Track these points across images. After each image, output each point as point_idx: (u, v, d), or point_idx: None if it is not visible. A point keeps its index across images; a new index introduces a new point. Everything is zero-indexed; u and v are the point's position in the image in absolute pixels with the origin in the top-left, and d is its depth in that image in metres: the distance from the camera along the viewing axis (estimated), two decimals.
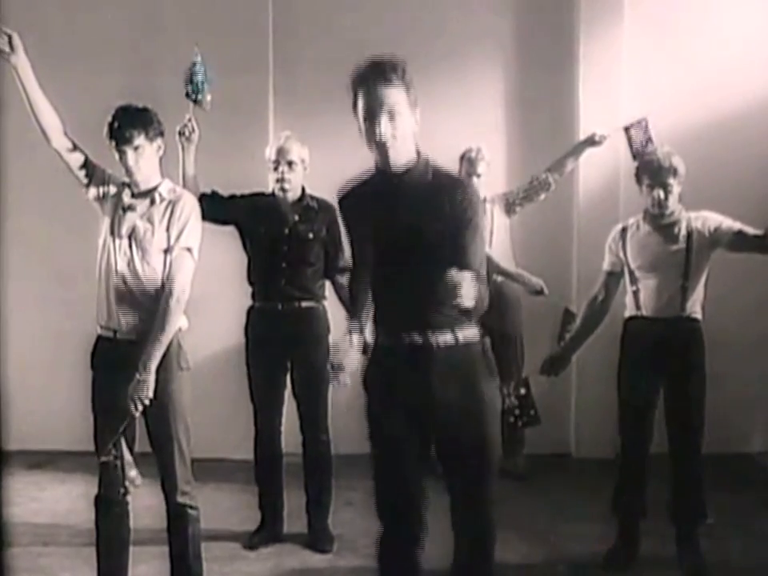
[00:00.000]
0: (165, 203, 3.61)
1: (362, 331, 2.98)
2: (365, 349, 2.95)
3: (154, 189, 3.63)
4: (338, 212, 3.09)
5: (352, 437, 3.43)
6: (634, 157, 4.56)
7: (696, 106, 5.81)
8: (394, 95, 2.75)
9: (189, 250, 3.60)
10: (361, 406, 3.04)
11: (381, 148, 2.77)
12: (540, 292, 5.23)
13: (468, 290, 2.56)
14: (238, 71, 5.55)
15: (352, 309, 3.08)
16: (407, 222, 2.82)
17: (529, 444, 5.64)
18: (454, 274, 2.55)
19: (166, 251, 3.58)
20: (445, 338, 2.86)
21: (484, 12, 6.00)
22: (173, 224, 3.57)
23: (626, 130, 4.69)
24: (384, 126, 2.73)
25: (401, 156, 2.81)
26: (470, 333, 2.91)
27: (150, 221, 3.58)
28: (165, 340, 3.53)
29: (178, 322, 3.60)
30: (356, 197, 2.97)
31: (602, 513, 4.36)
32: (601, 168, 5.69)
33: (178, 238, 3.57)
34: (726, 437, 5.12)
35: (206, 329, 5.37)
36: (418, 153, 2.86)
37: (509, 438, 5.43)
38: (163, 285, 3.56)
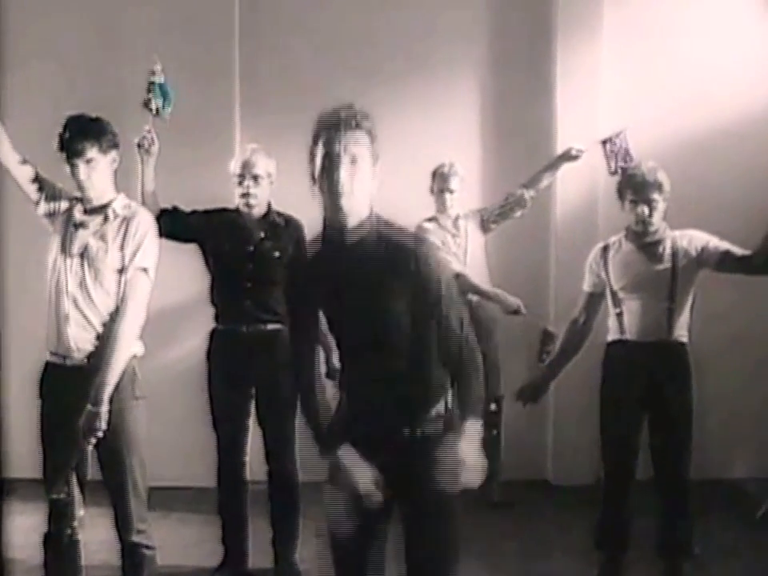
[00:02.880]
0: (119, 220, 3.46)
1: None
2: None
3: (108, 204, 3.47)
4: (291, 275, 2.90)
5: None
6: (612, 172, 4.49)
7: (677, 120, 5.75)
8: (359, 142, 2.61)
9: (145, 269, 3.44)
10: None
11: (335, 199, 2.58)
12: (517, 312, 5.08)
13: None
14: (202, 80, 5.49)
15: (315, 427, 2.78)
16: (361, 294, 2.65)
17: (505, 469, 5.48)
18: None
19: (121, 271, 3.42)
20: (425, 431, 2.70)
21: (459, 21, 5.91)
22: (127, 242, 3.42)
23: (604, 143, 4.61)
24: (344, 173, 2.57)
25: (353, 212, 2.62)
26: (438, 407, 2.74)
27: (103, 239, 3.43)
28: (118, 367, 3.36)
29: (132, 347, 3.44)
30: (311, 257, 2.76)
31: (582, 545, 4.24)
32: (579, 184, 5.62)
33: (132, 257, 3.42)
34: (707, 463, 4.99)
35: (167, 351, 5.45)
36: (371, 213, 2.68)
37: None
38: (117, 307, 3.40)
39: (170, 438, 5.29)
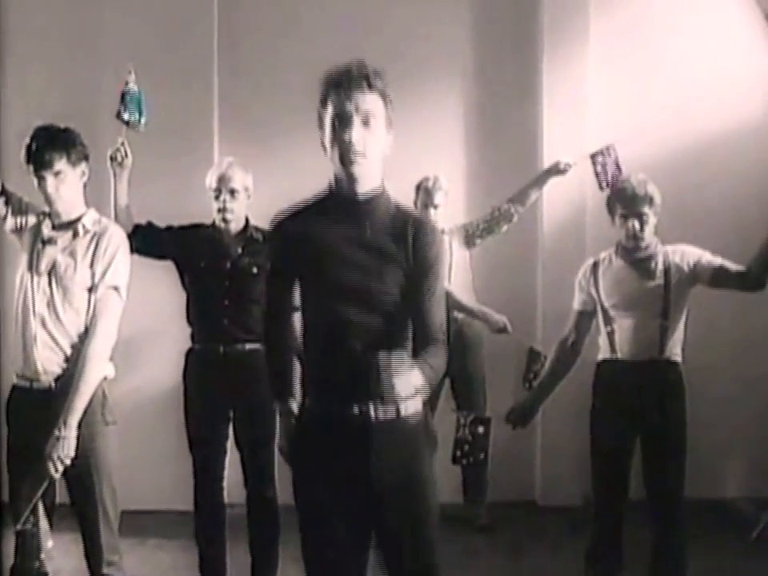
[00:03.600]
0: (89, 236, 3.33)
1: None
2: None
3: (77, 220, 3.35)
4: (270, 234, 2.72)
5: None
6: (601, 186, 4.39)
7: (666, 131, 5.71)
8: (373, 102, 2.48)
9: (116, 288, 3.31)
10: None
11: (347, 163, 2.46)
12: (503, 330, 5.02)
13: (403, 380, 2.30)
14: (180, 91, 5.41)
15: (278, 377, 2.73)
16: (362, 261, 2.52)
17: (491, 490, 5.42)
18: (385, 358, 2.30)
19: (90, 290, 3.28)
20: (386, 410, 2.53)
21: (443, 33, 5.87)
22: (97, 259, 3.29)
23: (593, 157, 4.50)
24: (357, 134, 2.44)
25: (366, 180, 2.51)
26: (413, 405, 2.58)
27: (73, 255, 3.30)
28: (88, 391, 3.22)
29: (103, 370, 3.30)
30: (300, 222, 2.59)
31: (572, 567, 4.11)
32: (566, 198, 5.56)
33: (103, 275, 3.29)
34: (700, 482, 4.88)
35: (142, 372, 5.38)
36: (382, 182, 2.59)
37: (471, 485, 5.23)
38: (86, 328, 3.26)
39: (147, 461, 5.28)
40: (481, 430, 4.15)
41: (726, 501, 5.78)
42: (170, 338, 4.48)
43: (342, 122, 2.46)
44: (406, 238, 2.54)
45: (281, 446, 2.83)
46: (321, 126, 2.53)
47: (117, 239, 3.34)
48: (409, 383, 2.34)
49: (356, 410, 2.50)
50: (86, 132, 3.47)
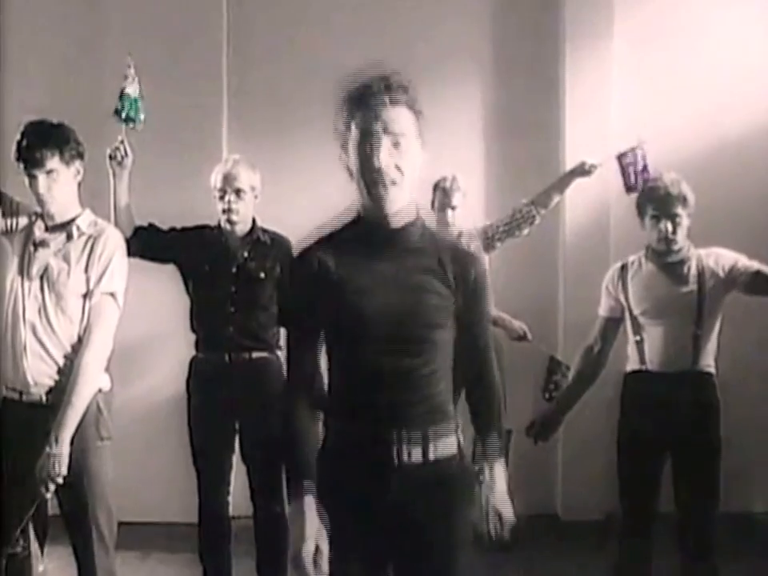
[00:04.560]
0: (84, 239, 3.20)
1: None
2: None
3: (71, 221, 3.21)
4: (296, 267, 2.44)
5: None
6: (628, 189, 4.27)
7: (694, 131, 5.54)
8: (402, 119, 2.26)
9: (112, 294, 3.17)
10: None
11: (377, 192, 2.24)
12: (523, 337, 4.91)
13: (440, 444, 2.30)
14: (188, 87, 5.28)
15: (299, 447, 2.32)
16: (397, 300, 2.28)
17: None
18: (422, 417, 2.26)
19: (85, 296, 3.15)
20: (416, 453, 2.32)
21: (461, 30, 5.72)
22: (93, 264, 3.15)
23: (619, 158, 4.37)
24: (386, 159, 2.21)
25: (398, 208, 2.28)
26: (446, 447, 2.38)
27: (66, 259, 3.16)
28: (81, 404, 3.07)
29: (97, 382, 3.15)
30: (326, 255, 2.33)
31: None
32: (589, 200, 5.38)
33: (98, 280, 3.15)
34: (731, 496, 4.75)
35: (145, 381, 5.34)
36: (417, 208, 2.37)
37: None
38: (80, 337, 3.12)
39: (150, 472, 5.22)
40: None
41: (752, 515, 5.64)
42: (175, 346, 4.41)
43: (368, 145, 2.23)
44: (448, 271, 2.34)
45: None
46: (343, 146, 2.32)
47: (113, 242, 3.21)
48: (446, 446, 2.29)
49: (377, 451, 2.29)
50: (88, 129, 3.37)
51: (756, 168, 5.56)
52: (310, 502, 2.18)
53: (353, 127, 2.26)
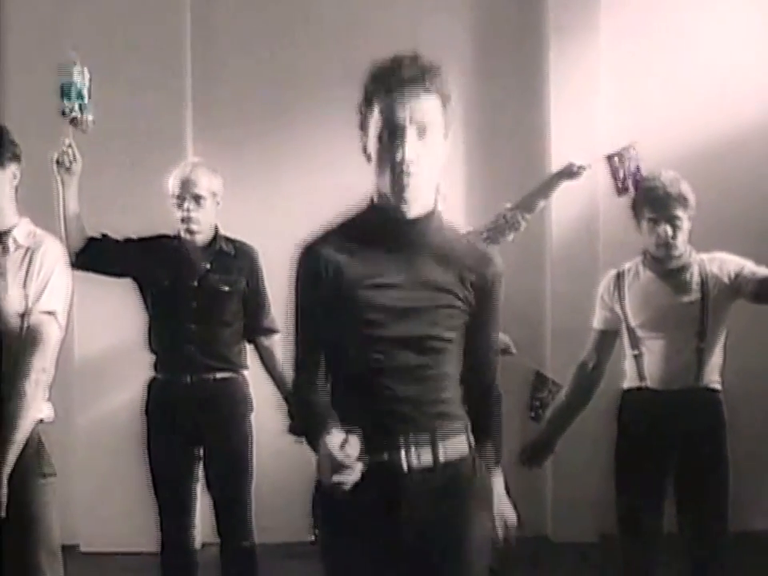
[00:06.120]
0: (21, 251, 2.96)
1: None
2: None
3: (7, 232, 2.96)
4: (301, 267, 2.32)
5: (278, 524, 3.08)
6: (619, 192, 4.11)
7: (686, 130, 5.44)
8: (430, 108, 2.17)
9: (52, 314, 2.90)
10: (291, 486, 2.80)
11: (398, 184, 2.15)
12: (506, 351, 4.60)
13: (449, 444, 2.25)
14: (148, 87, 5.14)
15: (312, 409, 2.30)
16: (410, 297, 2.22)
17: None
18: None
19: (23, 316, 2.88)
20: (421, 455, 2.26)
21: (439, 25, 5.57)
22: (31, 279, 2.91)
23: (609, 159, 4.20)
24: (411, 150, 2.13)
25: (418, 200, 2.20)
26: (456, 448, 2.31)
27: (1, 274, 2.90)
28: (18, 438, 2.80)
29: (37, 412, 2.88)
30: (334, 249, 2.26)
31: None
32: (577, 204, 5.27)
33: (37, 298, 2.90)
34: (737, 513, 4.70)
35: (107, 400, 5.20)
36: (435, 201, 2.29)
37: None
38: (16, 361, 2.84)
39: (113, 497, 5.10)
40: None
41: (753, 533, 5.42)
42: (139, 365, 4.17)
43: (392, 133, 2.15)
44: (464, 270, 2.26)
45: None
46: (363, 127, 2.24)
47: (53, 255, 2.95)
48: (455, 448, 2.23)
49: (385, 456, 2.21)
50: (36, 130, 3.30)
51: (761, 166, 5.47)
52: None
53: (375, 110, 2.18)
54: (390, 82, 2.14)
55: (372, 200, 2.26)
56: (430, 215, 2.24)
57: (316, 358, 2.29)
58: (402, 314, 2.20)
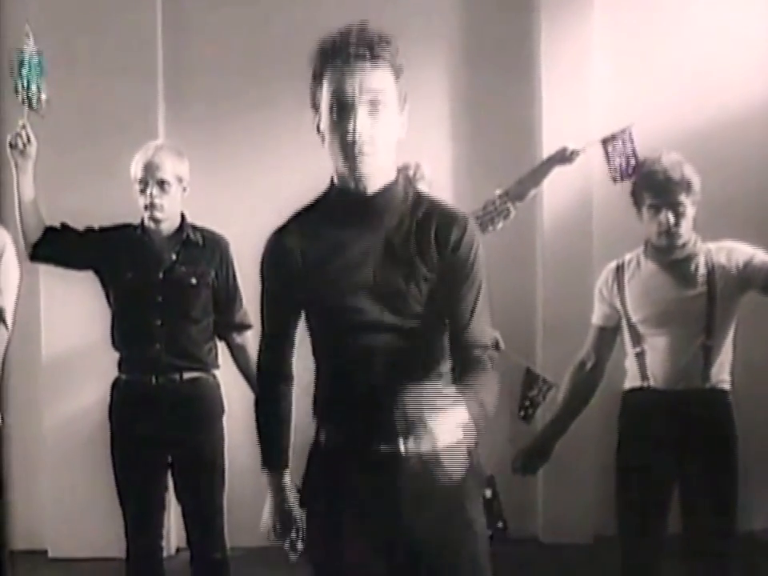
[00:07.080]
0: None
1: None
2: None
3: None
4: (266, 255, 2.37)
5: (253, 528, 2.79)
6: (615, 178, 3.96)
7: (687, 110, 5.30)
8: (380, 79, 2.15)
9: None
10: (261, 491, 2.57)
11: (352, 160, 2.15)
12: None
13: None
14: (116, 70, 4.94)
15: (269, 432, 2.46)
16: (379, 274, 2.22)
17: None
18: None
19: None
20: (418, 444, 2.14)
21: (427, 4, 5.47)
22: None
23: (604, 143, 4.06)
24: (361, 121, 2.11)
25: (377, 175, 2.20)
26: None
27: None
28: None
29: None
30: (298, 234, 2.30)
31: None
32: (570, 191, 5.13)
33: None
34: (745, 514, 4.44)
35: (74, 400, 5.04)
36: (398, 171, 2.29)
37: None
38: None
39: (80, 501, 4.99)
40: (488, 494, 3.68)
41: (751, 532, 5.18)
42: (92, 368, 4.27)
43: (342, 107, 2.13)
44: (431, 236, 2.22)
45: (269, 526, 2.50)
46: (314, 105, 2.23)
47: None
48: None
49: (382, 446, 2.21)
50: None
51: (757, 149, 5.35)
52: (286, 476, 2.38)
53: (325, 86, 2.16)
54: (337, 56, 2.10)
55: (332, 180, 2.23)
56: (391, 187, 2.21)
57: (283, 341, 2.37)
58: (370, 293, 2.19)
